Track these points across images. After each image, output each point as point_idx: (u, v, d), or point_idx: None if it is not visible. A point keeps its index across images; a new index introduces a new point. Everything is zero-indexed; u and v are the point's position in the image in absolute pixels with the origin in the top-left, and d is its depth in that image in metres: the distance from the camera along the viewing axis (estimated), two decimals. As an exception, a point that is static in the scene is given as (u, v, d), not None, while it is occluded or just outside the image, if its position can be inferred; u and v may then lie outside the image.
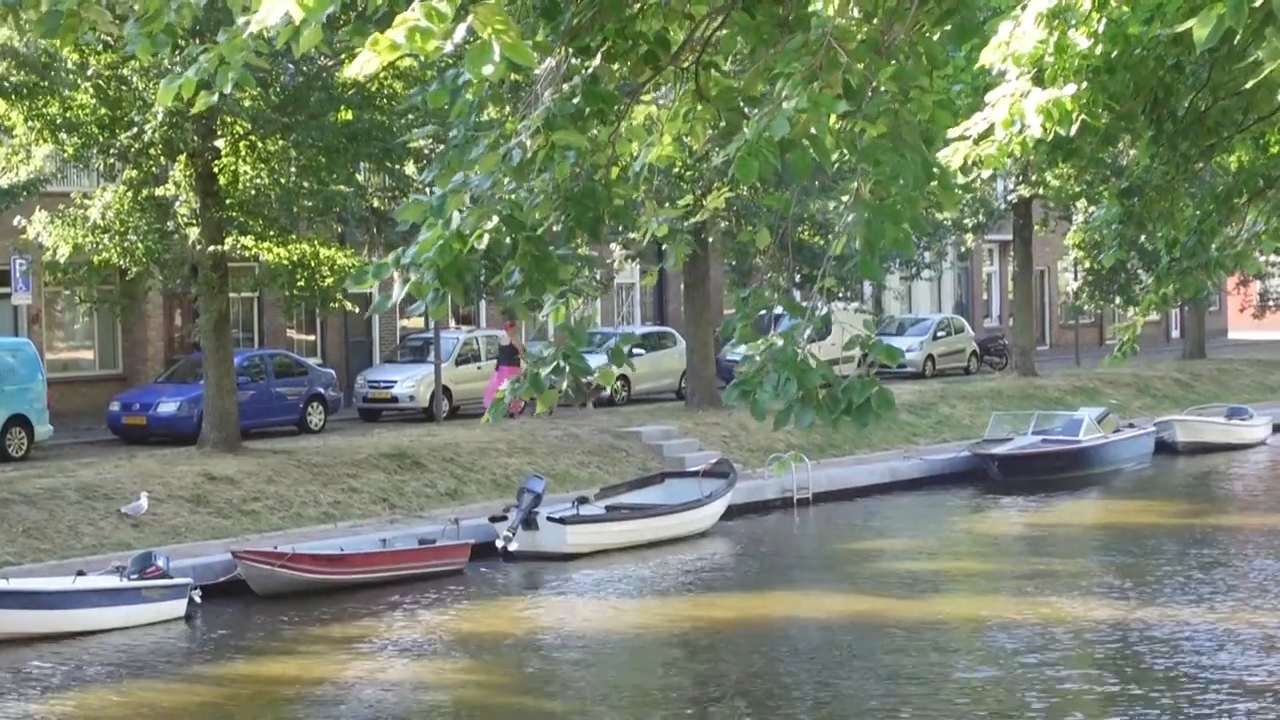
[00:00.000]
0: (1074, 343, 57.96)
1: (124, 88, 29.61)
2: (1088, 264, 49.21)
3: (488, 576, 27.72)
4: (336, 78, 29.61)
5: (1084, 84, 9.78)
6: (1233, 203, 14.50)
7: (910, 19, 7.97)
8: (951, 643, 22.45)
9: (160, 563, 24.21)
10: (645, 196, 8.93)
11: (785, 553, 31.26)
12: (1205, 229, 14.40)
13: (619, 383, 42.63)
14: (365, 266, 7.78)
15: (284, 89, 30.30)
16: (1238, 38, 8.71)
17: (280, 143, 30.50)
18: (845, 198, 8.12)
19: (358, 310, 35.85)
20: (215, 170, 30.72)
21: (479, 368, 41.30)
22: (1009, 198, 50.52)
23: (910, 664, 21.00)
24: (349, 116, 30.39)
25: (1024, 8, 9.26)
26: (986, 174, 9.56)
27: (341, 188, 31.27)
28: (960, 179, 9.48)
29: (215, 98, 7.47)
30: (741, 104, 8.60)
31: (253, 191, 30.80)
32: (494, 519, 29.08)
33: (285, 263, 31.94)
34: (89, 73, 29.42)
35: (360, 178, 32.93)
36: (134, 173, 30.70)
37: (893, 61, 7.79)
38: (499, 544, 28.51)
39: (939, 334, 53.65)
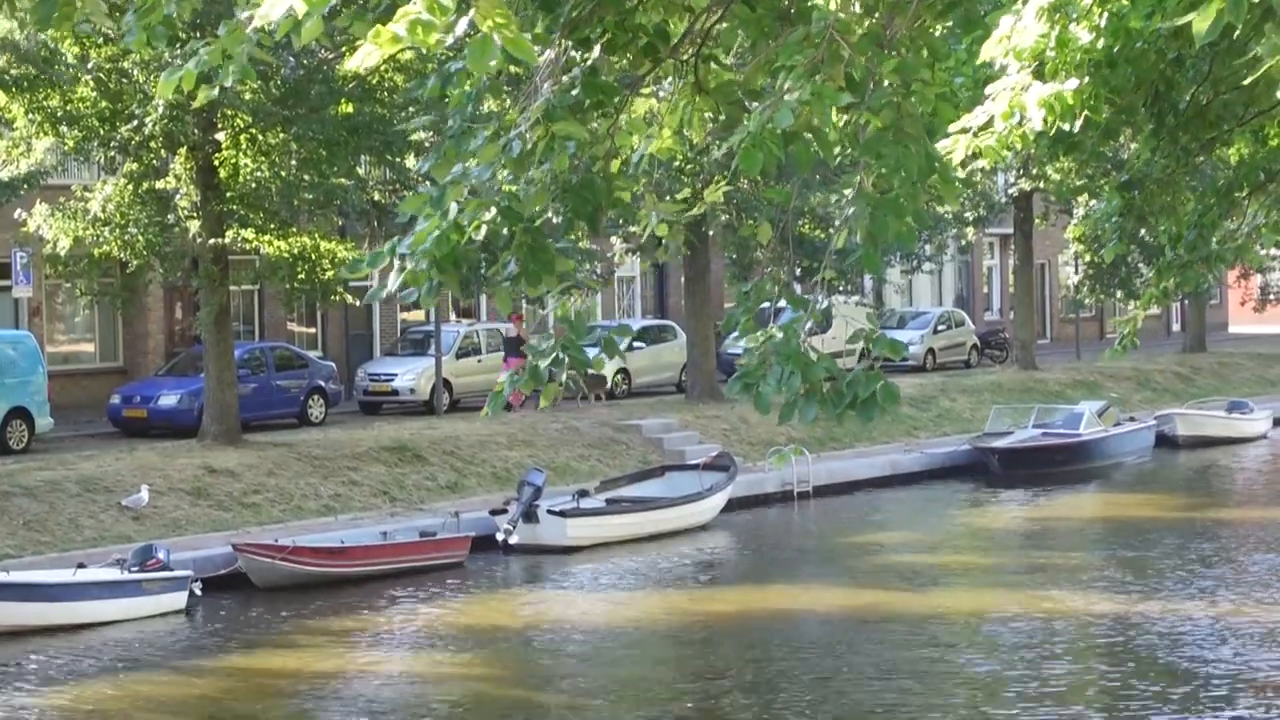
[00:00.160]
0: (1074, 336, 57.94)
1: (125, 81, 29.60)
2: (1088, 257, 49.17)
3: (488, 569, 27.73)
4: (337, 71, 29.61)
5: (1085, 78, 9.77)
6: (1233, 196, 14.50)
7: (911, 13, 7.97)
8: (951, 636, 22.45)
9: (161, 555, 24.22)
10: (645, 190, 8.92)
11: (785, 546, 31.27)
12: (1206, 222, 14.40)
13: (619, 376, 42.68)
14: (361, 256, 7.78)
15: (285, 82, 30.29)
16: (1237, 33, 8.70)
17: (281, 136, 30.50)
18: (848, 191, 8.11)
19: (358, 303, 35.84)
20: (216, 163, 30.72)
21: (479, 361, 41.28)
22: (1010, 191, 50.51)
23: (910, 657, 21.00)
24: (349, 110, 30.40)
25: (1025, 2, 9.24)
26: (984, 164, 9.55)
27: (342, 181, 31.25)
28: (960, 173, 9.47)
29: (216, 91, 7.46)
30: (741, 97, 8.59)
31: (253, 184, 30.80)
32: (494, 512, 29.08)
33: (286, 256, 31.93)
34: (89, 66, 29.40)
35: (361, 171, 32.93)
36: (134, 166, 30.69)
37: (894, 55, 7.78)
38: (499, 537, 28.52)
39: (939, 327, 53.62)
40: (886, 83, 7.69)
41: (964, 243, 59.81)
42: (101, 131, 29.93)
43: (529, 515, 28.70)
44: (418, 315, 44.78)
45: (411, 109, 29.80)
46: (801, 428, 34.43)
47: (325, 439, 33.07)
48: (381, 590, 25.65)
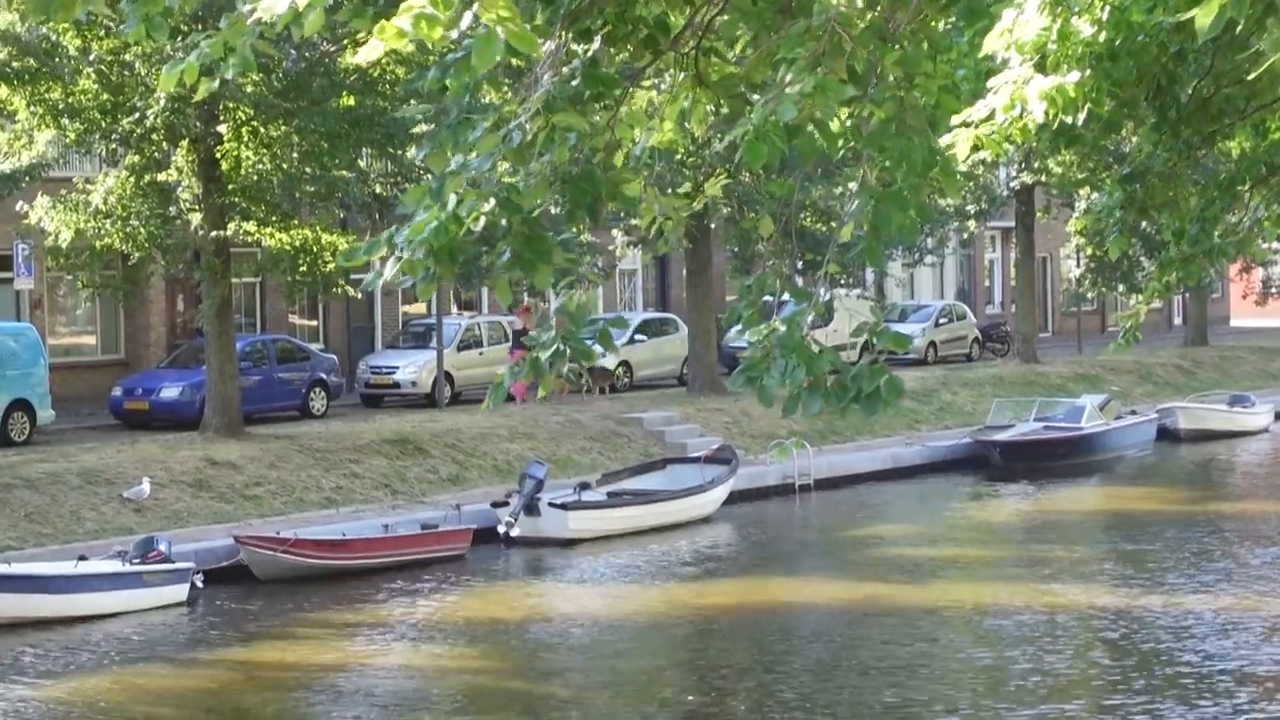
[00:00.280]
0: (1076, 330, 57.92)
1: (126, 73, 29.61)
2: (1090, 251, 49.15)
3: (489, 562, 27.74)
4: (339, 63, 29.61)
5: (1087, 71, 9.76)
6: (1235, 190, 14.48)
7: (914, 6, 7.96)
8: (953, 629, 22.46)
9: (162, 547, 24.23)
10: (647, 183, 8.90)
11: (786, 539, 31.28)
12: (1208, 216, 14.38)
13: (621, 369, 42.68)
14: (357, 245, 7.76)
15: (286, 74, 30.30)
16: (1240, 27, 8.69)
17: (282, 128, 30.51)
18: (851, 184, 8.12)
19: (360, 296, 35.86)
20: (218, 155, 30.73)
21: (481, 353, 41.26)
22: (1011, 185, 50.49)
23: (911, 651, 21.00)
24: (351, 102, 30.40)
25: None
26: (985, 156, 9.53)
27: (344, 173, 31.28)
28: (962, 166, 9.47)
29: (217, 84, 7.45)
30: (743, 90, 8.58)
31: (255, 177, 30.81)
32: (496, 504, 29.10)
33: (287, 248, 31.95)
34: (91, 58, 29.40)
35: (362, 163, 32.94)
36: (136, 158, 30.71)
37: (896, 47, 7.77)
38: (501, 529, 28.53)
39: (941, 321, 53.62)
40: (890, 76, 7.68)
41: (965, 236, 59.77)
42: (103, 124, 29.94)
43: (530, 508, 28.71)
44: (419, 308, 44.76)
45: (413, 101, 29.80)
46: (802, 421, 34.42)
47: (327, 431, 33.08)
48: (383, 583, 25.67)
